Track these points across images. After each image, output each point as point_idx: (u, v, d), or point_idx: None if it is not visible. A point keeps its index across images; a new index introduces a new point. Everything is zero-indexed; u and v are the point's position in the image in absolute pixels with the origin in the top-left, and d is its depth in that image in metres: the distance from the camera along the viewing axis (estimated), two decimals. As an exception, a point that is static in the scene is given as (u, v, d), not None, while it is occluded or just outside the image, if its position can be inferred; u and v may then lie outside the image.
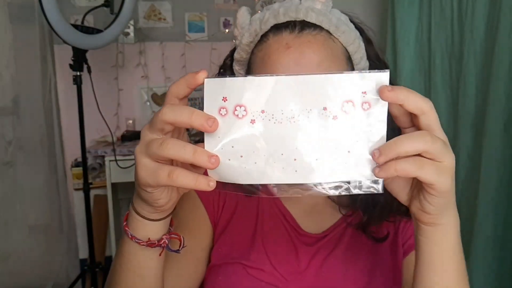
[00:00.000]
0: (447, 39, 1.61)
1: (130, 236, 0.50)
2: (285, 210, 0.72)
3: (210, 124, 0.39)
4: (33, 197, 2.33)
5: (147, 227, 0.49)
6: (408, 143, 0.39)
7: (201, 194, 0.73)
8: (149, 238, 0.50)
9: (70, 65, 1.85)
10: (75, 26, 1.79)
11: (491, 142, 1.39)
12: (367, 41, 0.67)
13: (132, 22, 2.43)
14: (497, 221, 1.42)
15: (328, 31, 0.62)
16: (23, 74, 2.31)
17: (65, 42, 1.77)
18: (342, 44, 0.63)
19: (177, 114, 0.40)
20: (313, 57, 0.59)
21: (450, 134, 1.60)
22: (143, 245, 0.50)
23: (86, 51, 1.86)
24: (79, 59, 1.84)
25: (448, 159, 0.40)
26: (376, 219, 0.68)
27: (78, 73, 1.87)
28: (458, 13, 1.55)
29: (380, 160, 0.39)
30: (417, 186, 0.45)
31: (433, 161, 0.40)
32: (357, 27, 0.66)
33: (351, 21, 0.65)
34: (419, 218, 0.46)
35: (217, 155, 0.40)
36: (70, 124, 2.36)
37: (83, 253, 2.42)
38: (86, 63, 1.88)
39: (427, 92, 1.68)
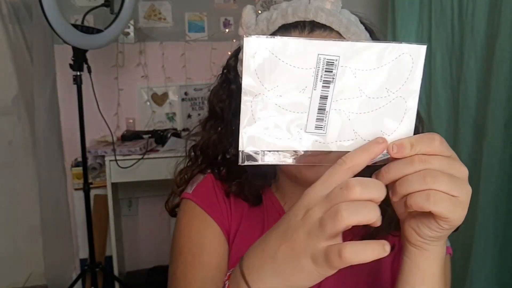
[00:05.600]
0: (447, 39, 1.61)
1: None
2: None
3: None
4: (33, 197, 2.34)
5: None
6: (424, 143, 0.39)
7: (211, 211, 0.70)
8: None
9: (70, 65, 1.85)
10: (75, 26, 1.79)
11: (491, 142, 1.39)
12: None
13: (132, 22, 2.43)
14: (497, 221, 1.42)
15: (338, 32, 0.59)
16: (23, 74, 2.32)
17: (65, 42, 1.77)
18: None
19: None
20: None
21: (450, 134, 1.60)
22: None
23: (86, 51, 1.86)
24: (79, 59, 1.84)
25: (465, 195, 0.40)
26: (383, 230, 0.65)
27: (78, 73, 1.86)
28: (458, 13, 1.55)
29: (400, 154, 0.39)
30: None
31: (448, 196, 0.38)
32: (368, 28, 0.63)
33: (361, 22, 0.63)
34: (409, 238, 0.45)
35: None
36: (70, 124, 2.36)
37: (83, 253, 2.41)
38: (86, 63, 1.87)
39: (427, 92, 1.68)
